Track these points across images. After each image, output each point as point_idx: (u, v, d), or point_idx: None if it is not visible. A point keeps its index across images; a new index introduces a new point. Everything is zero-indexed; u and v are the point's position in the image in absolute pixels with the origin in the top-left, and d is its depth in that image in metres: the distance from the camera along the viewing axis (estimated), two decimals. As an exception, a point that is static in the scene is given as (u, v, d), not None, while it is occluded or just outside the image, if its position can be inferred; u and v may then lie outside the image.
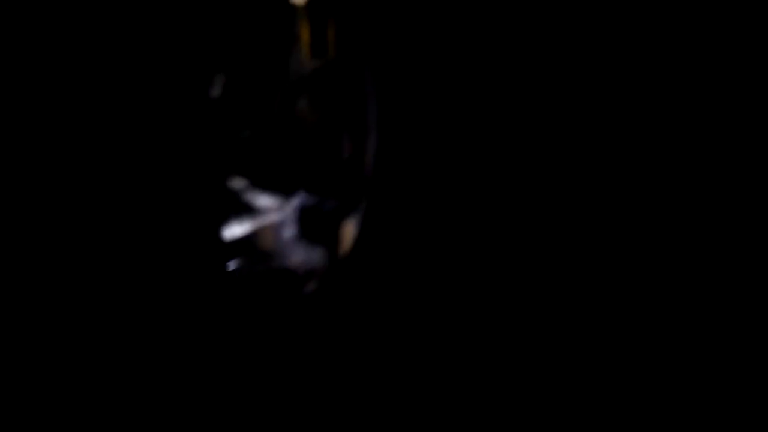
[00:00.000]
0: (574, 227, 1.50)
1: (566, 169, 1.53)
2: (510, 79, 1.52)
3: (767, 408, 1.38)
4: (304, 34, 1.74)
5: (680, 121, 1.52)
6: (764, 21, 1.47)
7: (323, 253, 1.67)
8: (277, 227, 1.68)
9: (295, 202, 1.63)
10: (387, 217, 1.44)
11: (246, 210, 1.63)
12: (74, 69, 1.28)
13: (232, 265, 1.55)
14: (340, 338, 1.49)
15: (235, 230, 1.60)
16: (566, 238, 1.50)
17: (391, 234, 1.46)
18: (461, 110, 1.52)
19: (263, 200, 1.63)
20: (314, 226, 1.62)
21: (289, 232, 1.64)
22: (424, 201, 1.48)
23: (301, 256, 1.68)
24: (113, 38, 1.30)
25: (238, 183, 1.58)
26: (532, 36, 1.52)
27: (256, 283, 1.60)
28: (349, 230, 1.64)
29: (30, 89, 1.26)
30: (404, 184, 1.51)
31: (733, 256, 1.48)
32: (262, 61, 1.61)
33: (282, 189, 1.61)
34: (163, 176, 1.33)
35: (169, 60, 1.35)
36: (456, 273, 1.50)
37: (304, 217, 1.61)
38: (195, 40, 1.39)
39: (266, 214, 1.66)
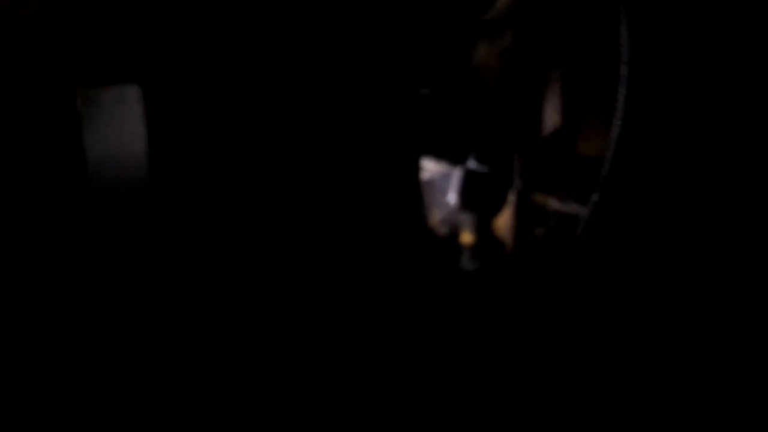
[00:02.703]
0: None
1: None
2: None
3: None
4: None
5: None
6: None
7: (477, 221, 1.60)
8: (437, 187, 1.63)
9: (459, 171, 1.54)
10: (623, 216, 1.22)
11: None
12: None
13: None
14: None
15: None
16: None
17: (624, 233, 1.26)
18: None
19: (430, 164, 1.56)
20: (475, 195, 1.53)
21: (451, 197, 1.57)
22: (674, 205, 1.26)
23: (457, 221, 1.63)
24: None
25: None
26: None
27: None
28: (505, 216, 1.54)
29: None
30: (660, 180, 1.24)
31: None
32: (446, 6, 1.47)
33: (451, 155, 1.52)
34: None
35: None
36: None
37: (467, 184, 1.53)
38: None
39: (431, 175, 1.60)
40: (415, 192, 1.45)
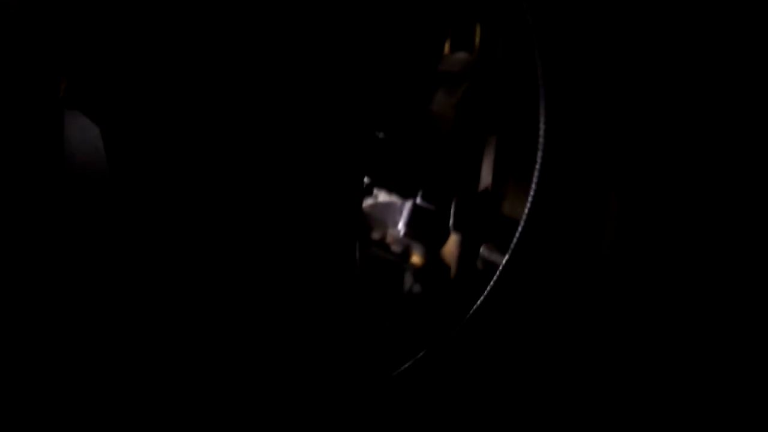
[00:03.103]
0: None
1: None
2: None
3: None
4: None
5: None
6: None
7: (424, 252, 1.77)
8: (396, 209, 1.78)
9: (410, 203, 1.70)
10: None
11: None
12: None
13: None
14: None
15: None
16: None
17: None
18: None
19: (382, 196, 1.72)
20: (421, 228, 1.69)
21: (400, 227, 1.73)
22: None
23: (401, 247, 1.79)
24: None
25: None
26: None
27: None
28: (452, 244, 1.70)
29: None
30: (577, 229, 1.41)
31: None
32: (409, 57, 1.60)
33: (401, 190, 1.67)
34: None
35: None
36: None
37: (414, 217, 1.69)
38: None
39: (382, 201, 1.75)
40: (352, 220, 1.56)
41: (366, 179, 1.68)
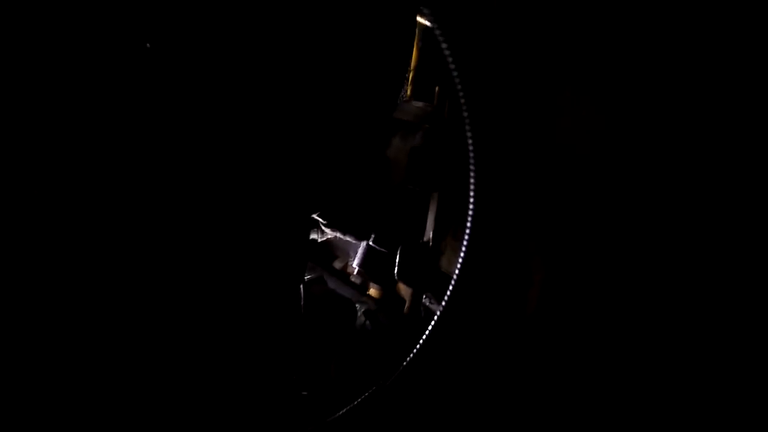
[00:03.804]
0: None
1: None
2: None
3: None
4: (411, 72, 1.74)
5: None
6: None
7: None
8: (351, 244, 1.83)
9: (364, 244, 1.75)
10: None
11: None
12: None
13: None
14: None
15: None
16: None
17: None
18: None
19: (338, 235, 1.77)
20: (373, 267, 1.75)
21: (355, 266, 1.79)
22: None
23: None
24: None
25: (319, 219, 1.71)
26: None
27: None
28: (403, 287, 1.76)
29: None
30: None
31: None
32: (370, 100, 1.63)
33: (355, 232, 1.73)
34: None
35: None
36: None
37: (367, 258, 1.75)
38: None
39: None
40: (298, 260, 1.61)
41: (322, 221, 1.73)
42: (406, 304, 1.88)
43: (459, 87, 1.30)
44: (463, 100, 1.30)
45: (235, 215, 1.47)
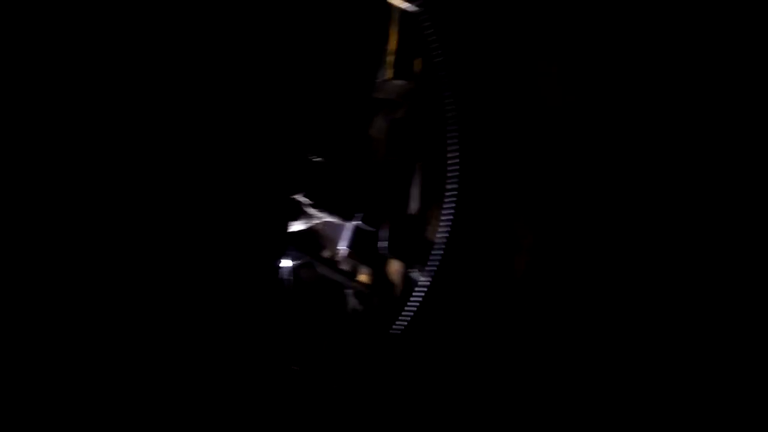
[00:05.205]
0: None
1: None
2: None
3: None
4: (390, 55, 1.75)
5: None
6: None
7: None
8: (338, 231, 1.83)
9: (352, 224, 1.75)
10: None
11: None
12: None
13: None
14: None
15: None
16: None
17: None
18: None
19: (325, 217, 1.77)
20: (362, 248, 1.74)
21: (342, 248, 1.79)
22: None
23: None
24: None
25: (304, 200, 1.71)
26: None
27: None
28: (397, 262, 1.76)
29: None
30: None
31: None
32: (348, 81, 1.64)
33: (341, 213, 1.73)
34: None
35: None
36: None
37: (356, 238, 1.75)
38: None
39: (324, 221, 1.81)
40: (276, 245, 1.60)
41: (308, 202, 1.73)
42: (398, 287, 1.88)
43: (439, 53, 1.30)
44: (442, 66, 1.31)
45: (215, 196, 1.47)
